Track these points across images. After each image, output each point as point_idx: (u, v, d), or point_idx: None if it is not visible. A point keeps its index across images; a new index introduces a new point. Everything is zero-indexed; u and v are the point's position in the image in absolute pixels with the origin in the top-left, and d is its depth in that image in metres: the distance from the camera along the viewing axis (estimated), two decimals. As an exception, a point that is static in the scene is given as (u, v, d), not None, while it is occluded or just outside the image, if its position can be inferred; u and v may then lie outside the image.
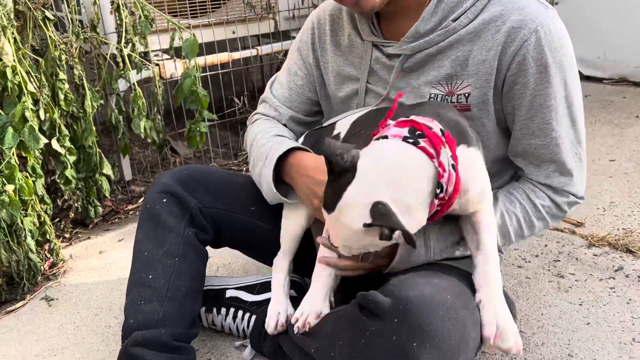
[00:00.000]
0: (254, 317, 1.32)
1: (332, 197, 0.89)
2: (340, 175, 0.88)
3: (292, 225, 1.22)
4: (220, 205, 1.27)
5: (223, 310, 1.35)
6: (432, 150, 0.86)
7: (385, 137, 0.90)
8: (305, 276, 1.40)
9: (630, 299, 1.43)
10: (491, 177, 1.01)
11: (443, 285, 0.94)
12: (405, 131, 0.89)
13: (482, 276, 0.98)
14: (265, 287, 1.37)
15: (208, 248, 1.29)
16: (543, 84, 1.03)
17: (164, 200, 1.22)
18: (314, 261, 1.14)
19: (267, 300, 1.31)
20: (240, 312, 1.34)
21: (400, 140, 0.88)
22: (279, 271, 1.25)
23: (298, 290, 1.36)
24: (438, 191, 0.87)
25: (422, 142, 0.87)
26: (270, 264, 1.37)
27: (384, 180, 0.85)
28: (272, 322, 1.17)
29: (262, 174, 1.16)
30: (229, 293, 1.37)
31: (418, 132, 0.88)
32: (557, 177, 1.09)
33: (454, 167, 0.88)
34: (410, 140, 0.87)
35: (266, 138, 1.20)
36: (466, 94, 1.06)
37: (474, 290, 0.99)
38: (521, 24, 1.01)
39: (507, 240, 1.12)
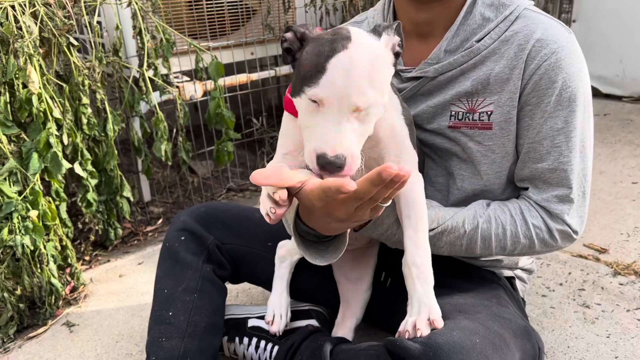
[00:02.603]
0: (276, 347, 1.31)
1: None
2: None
3: None
4: (238, 241, 1.30)
5: (245, 339, 1.34)
6: None
7: None
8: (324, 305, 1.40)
9: (659, 332, 1.40)
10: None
11: (471, 327, 0.92)
12: None
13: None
14: (287, 316, 1.36)
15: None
16: (556, 106, 1.01)
17: (182, 237, 1.25)
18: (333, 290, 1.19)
19: (290, 331, 1.31)
20: (262, 342, 1.33)
21: None
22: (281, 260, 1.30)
23: (320, 321, 1.35)
24: None
25: None
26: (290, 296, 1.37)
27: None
28: (269, 318, 1.28)
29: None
30: (251, 322, 1.36)
31: None
32: (555, 204, 1.06)
33: None
34: None
35: None
36: (489, 112, 1.05)
37: (498, 325, 0.98)
38: (543, 43, 1.00)
39: (487, 247, 1.08)
